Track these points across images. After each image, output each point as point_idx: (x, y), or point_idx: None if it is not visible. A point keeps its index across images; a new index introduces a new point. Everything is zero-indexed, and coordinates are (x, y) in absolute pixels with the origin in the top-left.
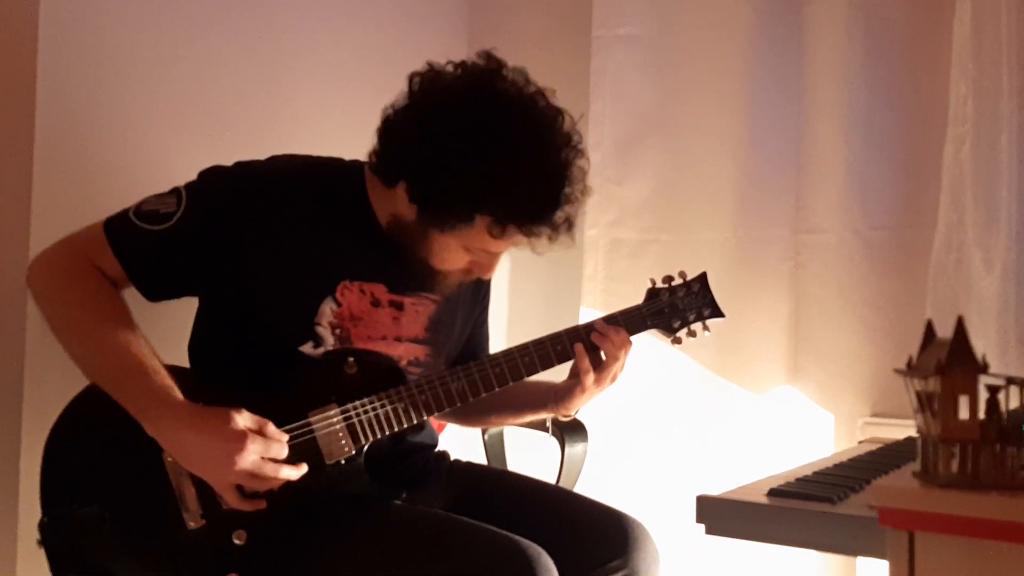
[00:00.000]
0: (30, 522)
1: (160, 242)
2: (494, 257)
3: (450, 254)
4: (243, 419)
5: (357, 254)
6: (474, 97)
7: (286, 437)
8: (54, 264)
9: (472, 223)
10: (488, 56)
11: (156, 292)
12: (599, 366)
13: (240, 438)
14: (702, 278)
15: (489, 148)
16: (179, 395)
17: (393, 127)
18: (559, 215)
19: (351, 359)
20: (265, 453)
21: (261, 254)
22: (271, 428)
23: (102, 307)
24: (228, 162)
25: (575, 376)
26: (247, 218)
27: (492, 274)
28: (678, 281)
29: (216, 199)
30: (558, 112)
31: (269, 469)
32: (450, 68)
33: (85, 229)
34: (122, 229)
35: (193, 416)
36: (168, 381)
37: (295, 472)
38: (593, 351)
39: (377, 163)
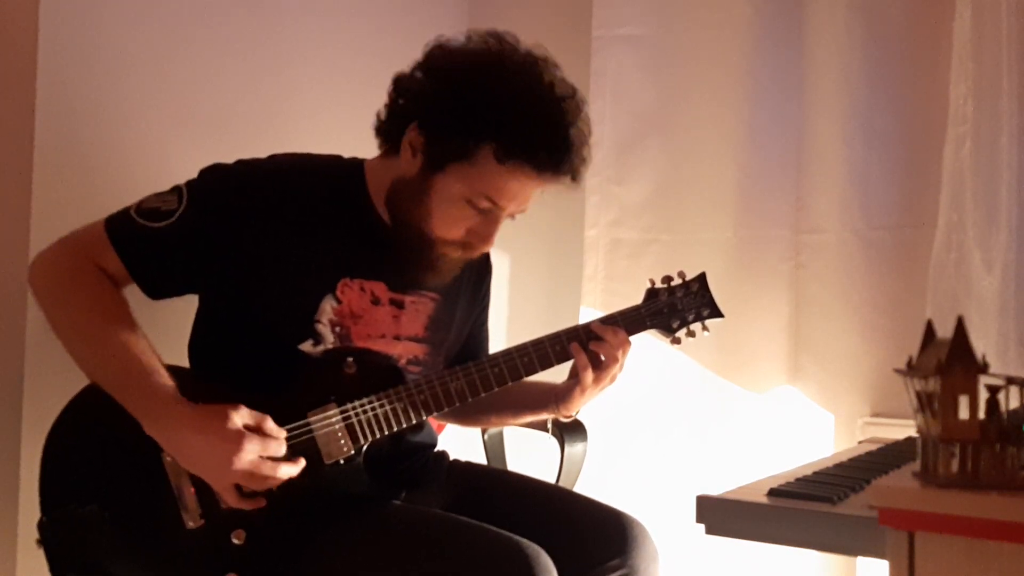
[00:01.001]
0: (30, 522)
1: (161, 239)
2: (494, 221)
3: (451, 210)
4: (240, 416)
5: (357, 252)
6: (484, 49)
7: (284, 434)
8: (55, 263)
9: (479, 148)
10: (499, 34)
11: (157, 290)
12: (598, 366)
13: (237, 438)
14: (701, 278)
15: (495, 79)
16: (178, 395)
17: (404, 81)
18: (566, 153)
19: (350, 359)
20: (263, 452)
21: (261, 252)
22: (269, 424)
23: (103, 306)
24: (228, 161)
25: (575, 377)
26: (248, 216)
27: (491, 244)
28: (677, 281)
29: (217, 196)
30: (560, 77)
31: (267, 468)
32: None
33: (86, 227)
34: (123, 227)
35: (192, 416)
36: (168, 381)
37: (294, 469)
38: (591, 352)
39: (384, 124)
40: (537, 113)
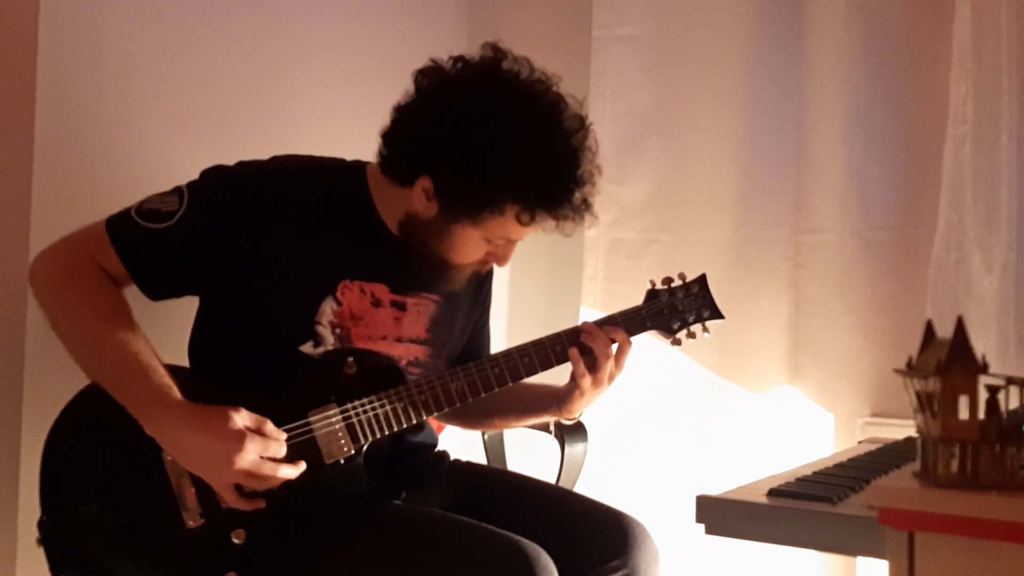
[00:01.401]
0: (30, 521)
1: (162, 240)
2: (512, 245)
3: (470, 246)
4: (241, 418)
5: (358, 254)
6: (485, 87)
7: (284, 436)
8: (56, 262)
9: (503, 212)
10: (493, 47)
11: (157, 291)
12: (593, 368)
13: (238, 437)
14: (701, 280)
15: (510, 136)
16: (177, 394)
17: (407, 124)
18: (579, 195)
19: (351, 359)
20: (263, 452)
21: (262, 253)
22: (269, 427)
23: (103, 306)
24: (228, 162)
25: (575, 379)
26: (248, 217)
27: (506, 263)
28: (677, 282)
29: (218, 198)
30: (562, 97)
31: (267, 468)
32: (451, 63)
33: (87, 227)
34: (124, 227)
35: (191, 416)
36: (167, 380)
37: (294, 471)
38: (587, 353)
39: (390, 162)
40: (555, 170)
